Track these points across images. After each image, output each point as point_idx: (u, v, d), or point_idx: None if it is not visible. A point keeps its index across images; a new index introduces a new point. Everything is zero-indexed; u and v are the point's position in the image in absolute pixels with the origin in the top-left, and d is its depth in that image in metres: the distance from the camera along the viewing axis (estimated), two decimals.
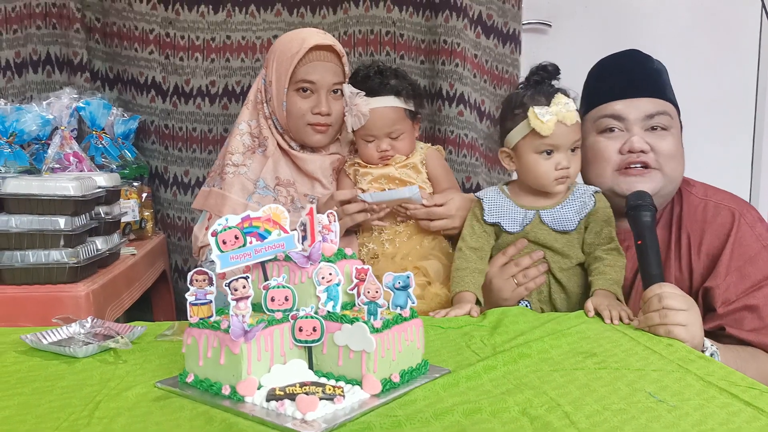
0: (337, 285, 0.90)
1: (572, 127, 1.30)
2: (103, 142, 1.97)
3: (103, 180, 1.58)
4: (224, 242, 0.87)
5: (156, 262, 2.02)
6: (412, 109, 1.58)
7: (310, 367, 0.88)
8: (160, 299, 2.19)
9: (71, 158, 1.77)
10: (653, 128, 1.38)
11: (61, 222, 1.38)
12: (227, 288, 0.83)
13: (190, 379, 0.88)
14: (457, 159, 2.08)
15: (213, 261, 0.87)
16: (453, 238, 1.51)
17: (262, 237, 0.90)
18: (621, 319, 1.17)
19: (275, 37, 1.94)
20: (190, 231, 2.08)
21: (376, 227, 1.55)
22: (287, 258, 0.94)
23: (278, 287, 0.89)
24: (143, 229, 1.99)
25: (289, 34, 1.67)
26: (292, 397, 0.78)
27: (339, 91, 1.60)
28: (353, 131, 1.57)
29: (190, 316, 0.87)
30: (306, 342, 0.88)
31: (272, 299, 0.88)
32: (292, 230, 0.92)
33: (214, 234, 0.87)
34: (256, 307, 0.87)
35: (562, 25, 2.36)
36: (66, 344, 1.04)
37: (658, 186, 1.36)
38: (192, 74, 2.17)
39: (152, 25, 2.16)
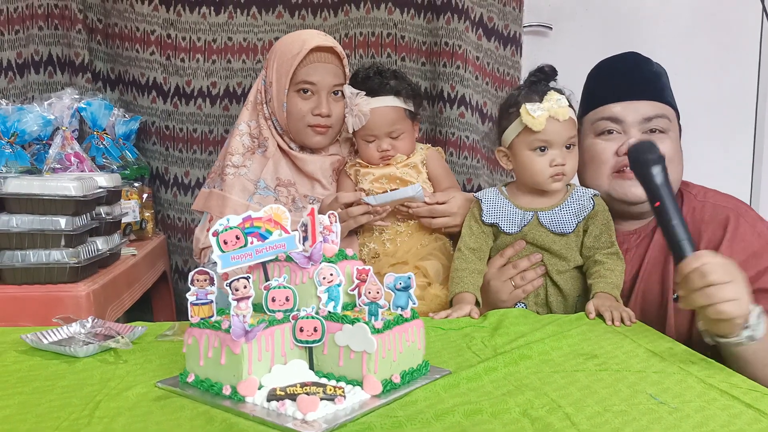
0: (338, 285, 0.90)
1: (565, 123, 1.30)
2: (104, 142, 1.97)
3: (104, 180, 1.58)
4: (225, 242, 0.87)
5: (156, 263, 2.02)
6: (412, 109, 1.59)
7: (311, 367, 0.88)
8: (160, 300, 2.19)
9: (72, 158, 1.77)
10: (651, 131, 1.37)
11: (62, 222, 1.38)
12: (228, 288, 0.83)
13: (190, 379, 0.88)
14: (459, 161, 2.08)
15: (215, 262, 0.87)
16: (454, 237, 1.52)
17: (263, 237, 0.90)
18: (622, 321, 1.17)
19: (276, 38, 1.94)
20: (191, 232, 2.09)
21: (377, 227, 1.55)
22: (288, 258, 0.94)
23: (279, 287, 0.89)
24: (144, 229, 1.99)
25: (290, 36, 1.67)
26: (292, 397, 0.78)
27: (339, 93, 1.60)
28: (353, 132, 1.58)
29: (191, 316, 0.87)
30: (307, 342, 0.88)
31: (273, 299, 0.88)
32: (293, 230, 0.92)
33: (216, 234, 0.87)
34: (257, 308, 0.87)
35: (562, 28, 2.36)
36: (66, 344, 1.04)
37: None
38: (193, 75, 2.17)
39: (154, 26, 2.16)
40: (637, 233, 1.42)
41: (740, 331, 1.01)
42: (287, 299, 0.88)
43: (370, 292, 0.88)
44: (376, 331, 0.84)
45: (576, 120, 1.36)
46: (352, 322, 0.85)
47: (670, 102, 1.42)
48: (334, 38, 1.72)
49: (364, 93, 1.55)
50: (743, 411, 0.80)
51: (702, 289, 0.99)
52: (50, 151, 1.77)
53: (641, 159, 1.15)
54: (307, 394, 0.78)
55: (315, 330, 0.87)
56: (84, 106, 1.93)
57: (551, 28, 2.36)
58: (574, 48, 2.28)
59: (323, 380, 0.85)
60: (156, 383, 0.89)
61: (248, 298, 0.83)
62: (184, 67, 2.17)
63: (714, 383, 0.89)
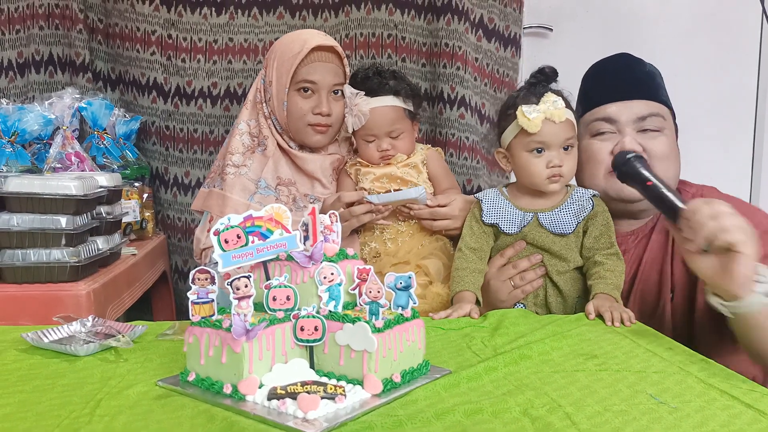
0: (339, 285, 0.90)
1: (561, 125, 1.31)
2: (104, 142, 1.97)
3: (104, 180, 1.58)
4: (226, 241, 0.87)
5: (156, 263, 2.02)
6: (411, 109, 1.59)
7: (312, 366, 0.88)
8: (160, 300, 2.19)
9: (73, 158, 1.78)
10: (645, 130, 1.38)
11: (63, 221, 1.38)
12: (229, 287, 0.84)
13: (191, 377, 0.88)
14: (458, 162, 2.08)
15: (216, 262, 0.87)
16: (454, 238, 1.52)
17: (264, 236, 0.90)
18: (622, 321, 1.17)
19: (277, 39, 1.95)
20: (191, 232, 2.09)
21: (378, 226, 1.55)
22: (289, 258, 0.94)
23: (280, 287, 0.89)
24: (144, 229, 1.99)
25: (290, 35, 1.67)
26: (293, 396, 0.78)
27: (339, 92, 1.61)
28: (353, 132, 1.58)
29: (192, 315, 0.87)
30: (307, 341, 0.88)
31: (274, 299, 0.88)
32: (294, 230, 0.93)
33: (217, 233, 0.87)
34: (258, 307, 0.87)
35: (563, 29, 2.37)
36: (67, 343, 1.04)
37: None
38: (194, 76, 2.18)
39: (154, 27, 2.16)
40: (634, 234, 1.42)
41: (754, 288, 1.02)
42: (288, 298, 0.89)
43: (370, 292, 0.88)
44: (376, 330, 0.84)
45: (574, 121, 1.36)
46: (353, 321, 0.85)
47: (665, 101, 1.42)
48: (335, 39, 1.72)
49: (364, 93, 1.55)
50: (743, 411, 0.80)
51: (711, 219, 1.02)
52: (51, 150, 1.77)
53: (625, 160, 1.26)
54: (308, 392, 0.78)
55: (316, 329, 0.87)
56: (84, 105, 1.93)
57: (551, 30, 2.37)
58: (575, 49, 2.28)
59: (324, 379, 0.85)
60: (157, 382, 0.89)
61: (249, 297, 0.83)
62: (185, 67, 2.17)
63: (714, 383, 0.89)
